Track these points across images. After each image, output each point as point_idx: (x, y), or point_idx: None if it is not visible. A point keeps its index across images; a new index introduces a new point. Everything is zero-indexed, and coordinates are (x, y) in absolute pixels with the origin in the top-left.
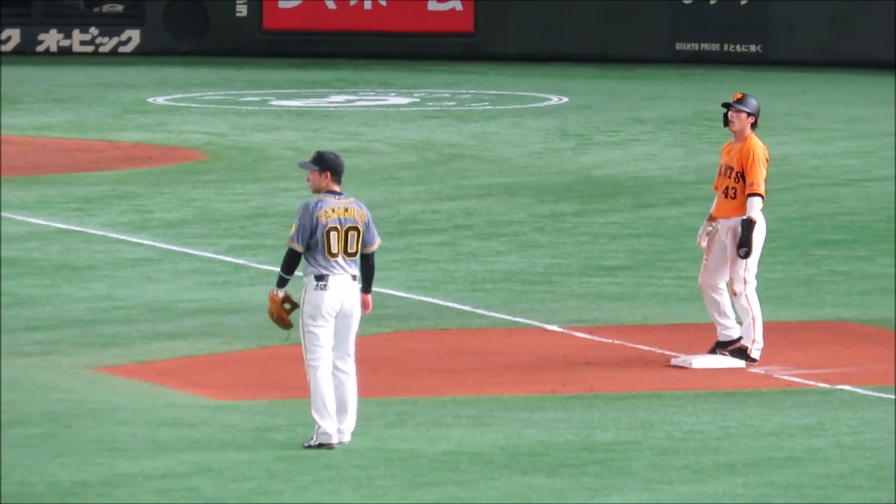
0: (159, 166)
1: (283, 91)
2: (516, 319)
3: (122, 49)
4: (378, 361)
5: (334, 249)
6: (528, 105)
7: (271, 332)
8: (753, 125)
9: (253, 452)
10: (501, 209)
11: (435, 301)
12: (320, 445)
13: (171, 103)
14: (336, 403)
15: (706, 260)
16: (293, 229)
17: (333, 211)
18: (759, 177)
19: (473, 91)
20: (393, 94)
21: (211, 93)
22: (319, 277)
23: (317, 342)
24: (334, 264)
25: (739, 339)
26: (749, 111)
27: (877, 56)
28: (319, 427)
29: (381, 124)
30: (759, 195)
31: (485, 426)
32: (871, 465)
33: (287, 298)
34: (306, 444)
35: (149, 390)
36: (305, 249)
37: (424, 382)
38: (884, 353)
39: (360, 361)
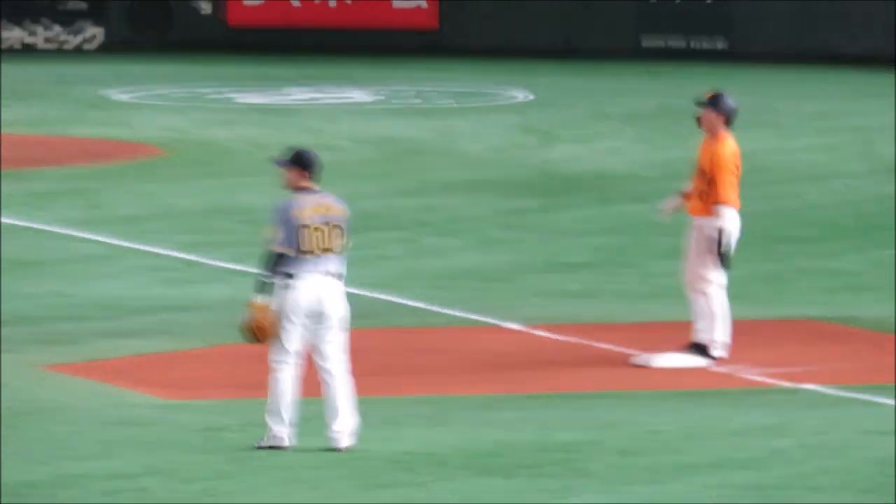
0: (119, 162)
1: (245, 87)
2: (476, 317)
3: (86, 46)
4: None
5: (306, 247)
6: (492, 101)
7: (224, 329)
8: (727, 123)
9: (204, 453)
10: (463, 205)
11: (393, 298)
12: (272, 447)
13: (133, 99)
14: (326, 408)
15: (688, 256)
16: (277, 234)
17: (310, 209)
18: (726, 186)
19: (437, 87)
20: (355, 89)
21: (173, 89)
22: (288, 276)
23: (280, 344)
24: (304, 262)
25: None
26: (717, 110)
27: (843, 51)
28: (271, 430)
29: (342, 120)
30: (726, 205)
31: (441, 426)
32: (835, 466)
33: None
34: (258, 444)
35: (98, 389)
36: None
37: (380, 381)
38: (849, 350)
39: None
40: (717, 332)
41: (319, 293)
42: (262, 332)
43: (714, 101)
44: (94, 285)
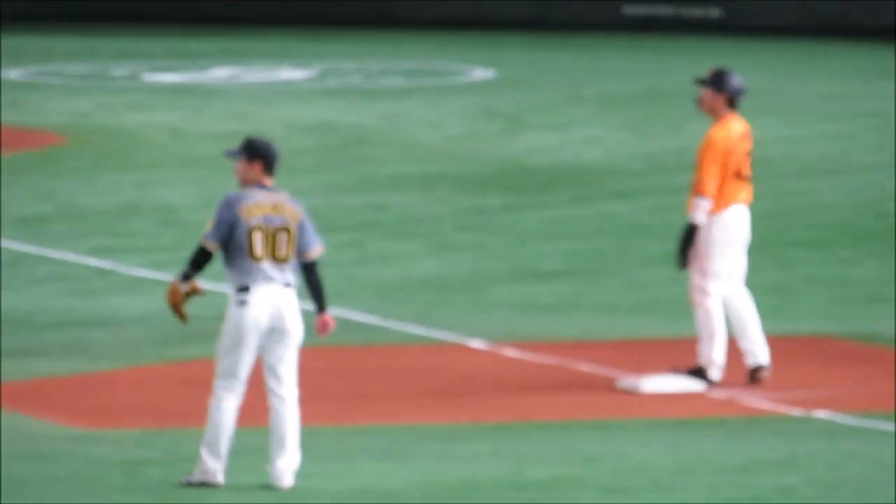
0: (13, 152)
1: (157, 63)
2: (434, 334)
3: None
4: None
5: (258, 253)
6: (448, 80)
7: (145, 348)
8: (730, 105)
9: (123, 491)
10: (416, 203)
11: (338, 312)
12: (202, 484)
13: (27, 78)
14: (272, 439)
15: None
16: (210, 225)
17: (259, 207)
18: (706, 174)
19: (382, 63)
20: (287, 66)
21: (74, 65)
22: (241, 289)
23: (231, 368)
24: (259, 271)
25: (759, 368)
26: (718, 89)
27: (858, 22)
28: (204, 465)
29: (273, 103)
30: (702, 195)
31: (397, 460)
32: None
33: (192, 290)
34: (186, 480)
35: (0, 418)
36: (225, 252)
37: (325, 409)
38: (868, 372)
39: (249, 384)
40: (716, 351)
41: (280, 306)
42: (177, 314)
43: (715, 80)
44: None
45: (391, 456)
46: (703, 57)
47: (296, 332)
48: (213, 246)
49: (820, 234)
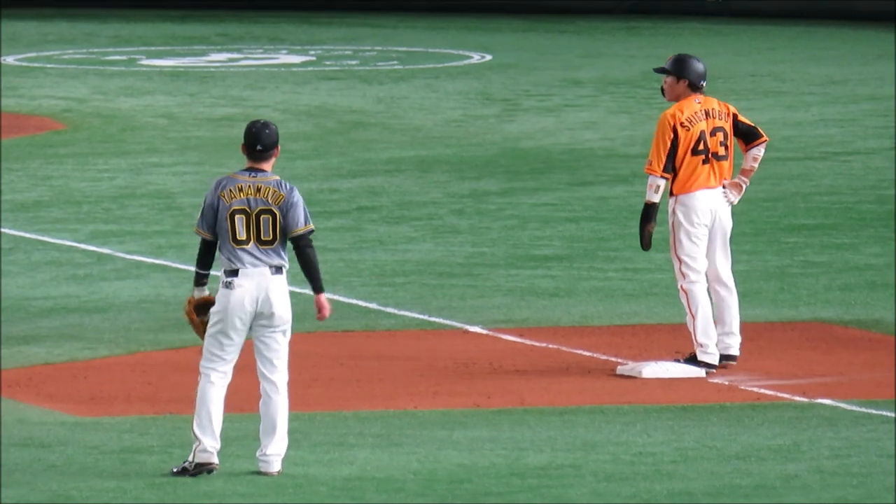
0: (8, 138)
1: (154, 48)
2: (432, 319)
3: None
4: None
5: (240, 236)
6: (445, 64)
7: (142, 334)
8: (693, 89)
9: (120, 478)
10: (413, 188)
11: (335, 297)
12: (198, 466)
13: (23, 63)
14: (262, 424)
15: None
16: (200, 214)
17: (241, 190)
18: (652, 152)
19: (379, 48)
20: (284, 51)
21: (70, 50)
22: (229, 273)
23: (216, 349)
24: (244, 255)
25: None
26: (678, 76)
27: (858, 5)
28: (200, 444)
29: (270, 87)
30: (650, 173)
31: (395, 447)
32: (857, 494)
33: (203, 300)
34: (176, 469)
35: None
36: (213, 237)
37: (322, 394)
38: (871, 359)
39: (244, 368)
40: (699, 333)
41: (267, 290)
42: (197, 331)
43: (673, 67)
44: None
45: (389, 442)
46: (702, 41)
47: (283, 316)
48: (206, 235)
49: (820, 219)
